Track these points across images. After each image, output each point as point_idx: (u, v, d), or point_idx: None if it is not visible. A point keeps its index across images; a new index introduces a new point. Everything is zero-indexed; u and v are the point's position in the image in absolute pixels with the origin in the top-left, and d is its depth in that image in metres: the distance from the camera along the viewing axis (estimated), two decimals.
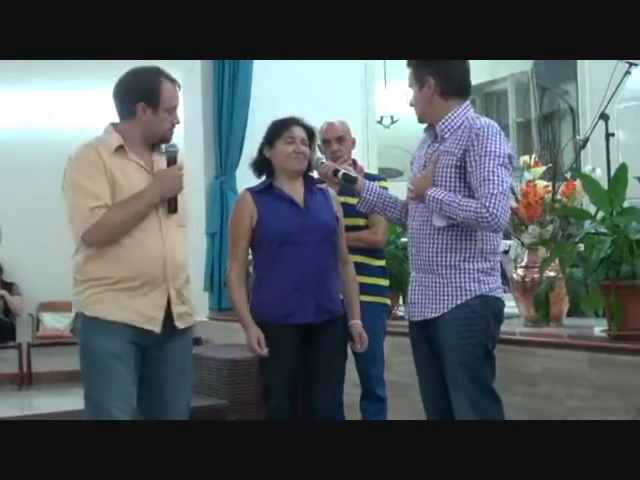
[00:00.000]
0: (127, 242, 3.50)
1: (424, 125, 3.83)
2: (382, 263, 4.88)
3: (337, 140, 4.82)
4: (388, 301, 4.92)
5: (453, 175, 3.59)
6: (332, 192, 4.27)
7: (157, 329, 3.57)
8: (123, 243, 3.49)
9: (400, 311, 6.07)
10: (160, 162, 3.61)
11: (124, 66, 3.63)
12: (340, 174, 3.86)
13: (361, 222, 4.63)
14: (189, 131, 7.29)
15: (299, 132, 4.13)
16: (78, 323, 3.60)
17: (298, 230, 4.04)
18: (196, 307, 7.13)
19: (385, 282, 4.89)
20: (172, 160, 3.61)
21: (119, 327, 3.51)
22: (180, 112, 3.66)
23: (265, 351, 4.00)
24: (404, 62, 3.83)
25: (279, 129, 4.15)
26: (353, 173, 3.88)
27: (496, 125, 3.63)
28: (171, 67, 3.67)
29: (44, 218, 8.86)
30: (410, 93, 3.78)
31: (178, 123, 3.65)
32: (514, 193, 4.99)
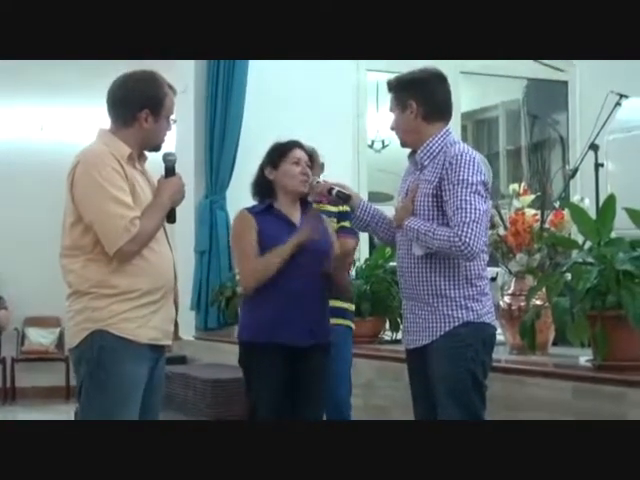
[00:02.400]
0: (146, 253, 3.38)
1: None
2: None
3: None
4: (352, 325, 4.85)
5: (431, 204, 3.60)
6: (325, 218, 4.30)
7: (170, 342, 3.53)
8: (143, 254, 3.37)
9: (386, 335, 6.08)
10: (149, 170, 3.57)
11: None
12: (334, 192, 3.87)
13: None
14: (180, 150, 7.29)
15: (303, 155, 4.16)
16: (96, 340, 3.32)
17: (295, 252, 4.05)
18: (182, 326, 7.14)
19: (350, 306, 4.83)
20: (171, 169, 3.53)
21: (145, 349, 3.39)
22: (173, 131, 3.64)
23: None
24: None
25: (284, 150, 4.16)
26: (347, 191, 3.89)
27: (471, 152, 3.62)
28: None
29: (32, 233, 8.88)
30: (392, 117, 3.78)
31: (170, 130, 3.58)
32: (502, 221, 5.01)
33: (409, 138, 3.73)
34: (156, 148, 3.55)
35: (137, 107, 3.44)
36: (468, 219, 3.47)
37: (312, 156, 4.28)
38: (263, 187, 4.19)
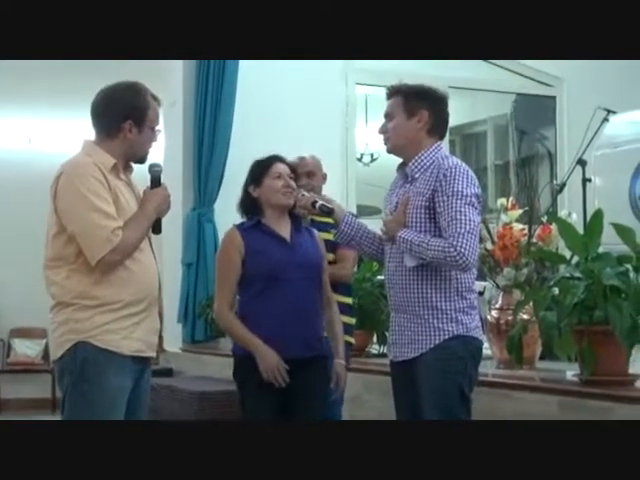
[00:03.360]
0: (129, 264, 3.38)
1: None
2: (349, 300, 4.84)
3: (307, 174, 4.81)
4: (353, 340, 4.85)
5: (423, 216, 3.61)
6: (316, 232, 4.28)
7: (154, 354, 3.53)
8: (127, 265, 3.37)
9: (374, 349, 6.08)
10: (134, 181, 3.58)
11: None
12: (318, 205, 3.87)
13: (330, 258, 4.60)
14: (169, 162, 7.29)
15: (285, 168, 4.15)
16: (79, 352, 3.33)
17: (285, 266, 4.03)
18: (169, 339, 7.10)
19: (351, 320, 4.83)
20: (157, 180, 3.54)
21: (128, 361, 3.38)
22: (161, 143, 3.64)
23: (286, 379, 3.94)
24: (385, 101, 3.84)
25: (265, 166, 4.16)
26: (331, 204, 3.90)
27: (464, 165, 3.64)
28: None
29: (18, 244, 8.84)
30: (387, 121, 3.75)
31: (156, 141, 3.57)
32: (490, 235, 5.02)
33: (405, 146, 3.72)
34: (141, 159, 3.56)
35: (120, 118, 3.45)
36: (463, 230, 3.49)
37: (296, 169, 4.27)
38: (249, 205, 4.19)
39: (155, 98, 3.54)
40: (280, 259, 4.05)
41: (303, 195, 4.01)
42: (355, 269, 5.20)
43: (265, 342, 3.98)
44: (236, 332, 4.10)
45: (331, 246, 4.34)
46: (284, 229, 4.15)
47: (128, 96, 3.49)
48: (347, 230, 3.84)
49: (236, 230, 4.15)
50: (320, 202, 3.88)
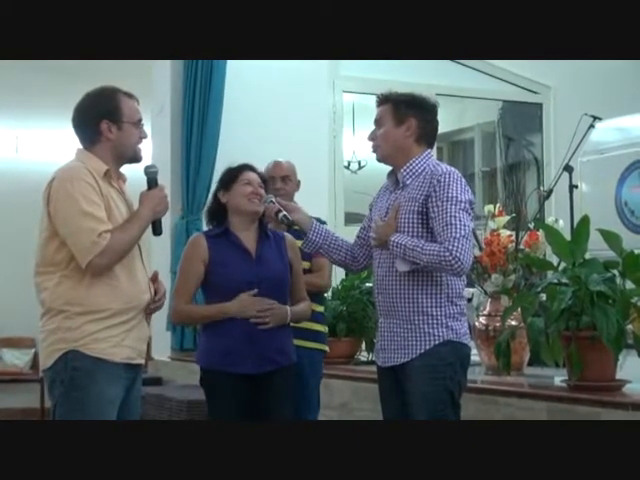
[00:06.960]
0: (120, 272, 3.40)
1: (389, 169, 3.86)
2: (322, 309, 4.80)
3: (282, 179, 4.81)
4: (326, 348, 4.81)
5: (416, 221, 3.62)
6: (289, 237, 4.26)
7: (143, 361, 3.54)
8: (117, 273, 3.39)
9: (363, 356, 6.08)
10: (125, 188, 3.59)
11: None
12: (280, 216, 3.89)
13: (306, 265, 4.56)
14: None
15: (255, 177, 4.17)
16: (69, 361, 3.34)
17: (246, 281, 4.04)
18: (158, 347, 7.10)
19: (324, 329, 4.80)
20: (153, 181, 3.57)
21: (119, 369, 3.39)
22: (149, 151, 3.65)
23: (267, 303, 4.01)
24: (372, 108, 3.86)
25: (235, 173, 4.18)
26: (297, 215, 3.90)
27: (457, 172, 3.68)
28: (140, 107, 3.67)
29: (5, 253, 8.82)
30: (377, 129, 3.78)
31: (145, 137, 3.59)
32: (477, 240, 5.03)
33: (393, 154, 3.75)
34: (134, 158, 3.58)
35: (96, 121, 3.48)
36: (458, 234, 3.51)
37: (267, 179, 4.28)
38: (217, 212, 4.21)
39: (128, 94, 3.57)
40: (241, 274, 4.06)
41: (271, 202, 4.01)
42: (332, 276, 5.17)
43: (224, 358, 4.03)
44: (197, 314, 4.20)
45: (307, 254, 4.32)
46: (250, 239, 4.14)
47: (97, 98, 3.53)
48: (315, 238, 3.86)
49: (202, 238, 4.16)
50: (283, 213, 3.88)
